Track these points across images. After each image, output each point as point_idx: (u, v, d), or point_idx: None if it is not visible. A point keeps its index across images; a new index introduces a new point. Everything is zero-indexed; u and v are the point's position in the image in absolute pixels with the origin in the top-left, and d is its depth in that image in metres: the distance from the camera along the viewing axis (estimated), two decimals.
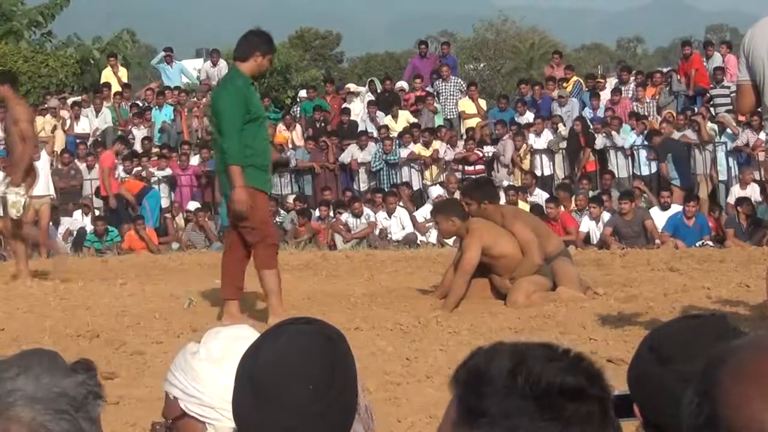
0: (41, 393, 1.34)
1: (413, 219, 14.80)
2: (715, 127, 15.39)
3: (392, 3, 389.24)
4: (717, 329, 1.83)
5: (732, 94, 15.21)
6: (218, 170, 7.81)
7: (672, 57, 45.35)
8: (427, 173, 16.22)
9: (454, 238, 10.80)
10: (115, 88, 19.42)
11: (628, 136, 15.59)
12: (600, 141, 15.75)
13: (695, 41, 26.77)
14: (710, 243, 12.78)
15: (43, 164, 14.94)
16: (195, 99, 19.25)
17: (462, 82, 19.07)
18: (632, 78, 17.75)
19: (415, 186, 16.09)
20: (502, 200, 12.44)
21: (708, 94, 16.58)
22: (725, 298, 7.97)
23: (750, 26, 6.01)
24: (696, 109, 16.14)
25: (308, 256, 12.58)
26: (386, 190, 15.61)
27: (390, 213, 14.79)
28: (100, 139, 18.23)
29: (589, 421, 1.26)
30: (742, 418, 1.13)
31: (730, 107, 15.39)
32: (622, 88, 17.04)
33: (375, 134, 17.02)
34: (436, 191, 15.51)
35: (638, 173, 15.35)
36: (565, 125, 16.35)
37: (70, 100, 19.67)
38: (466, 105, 17.75)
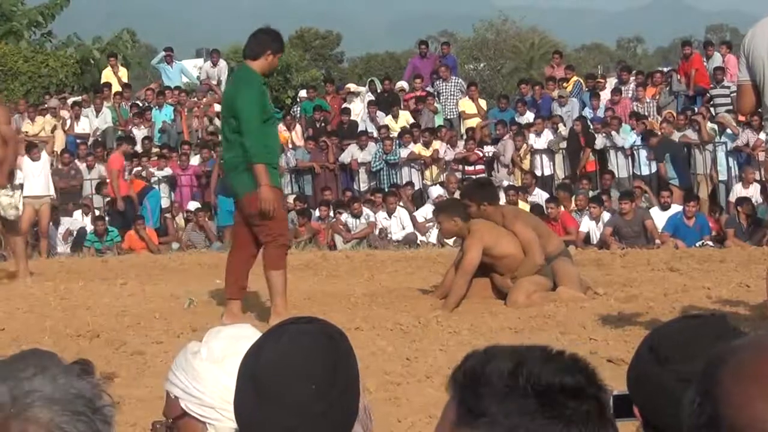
0: (58, 394, 1.33)
1: (413, 219, 14.80)
2: (715, 126, 15.40)
3: (392, 3, 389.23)
4: (717, 329, 1.83)
5: (732, 94, 15.21)
6: (229, 168, 7.67)
7: (672, 57, 45.36)
8: (427, 173, 16.23)
9: (455, 238, 10.80)
10: (116, 88, 19.43)
11: (628, 136, 15.60)
12: (600, 141, 15.76)
13: (695, 41, 26.80)
14: (710, 243, 12.78)
15: (43, 165, 14.97)
16: (195, 99, 19.26)
17: (462, 82, 19.06)
18: (632, 78, 17.76)
19: (415, 186, 16.09)
20: (502, 200, 12.44)
21: (708, 94, 16.58)
22: (725, 298, 7.97)
23: (750, 26, 6.01)
24: (696, 109, 16.14)
25: (308, 256, 12.58)
26: (386, 190, 15.61)
27: (390, 213, 14.79)
28: (100, 139, 18.24)
29: (588, 419, 1.27)
30: (744, 417, 1.13)
31: (730, 107, 15.39)
32: (622, 88, 17.04)
33: (375, 134, 17.03)
34: (436, 191, 15.51)
35: (638, 173, 15.35)
36: (565, 125, 16.35)
37: (70, 100, 19.67)
38: (467, 105, 17.75)
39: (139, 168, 16.69)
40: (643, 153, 15.32)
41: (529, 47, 44.29)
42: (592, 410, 1.29)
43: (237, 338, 2.18)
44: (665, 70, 19.15)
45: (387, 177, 16.38)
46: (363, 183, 16.52)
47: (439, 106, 17.81)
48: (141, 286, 10.15)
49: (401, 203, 15.14)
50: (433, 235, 14.31)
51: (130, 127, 18.33)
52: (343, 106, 18.23)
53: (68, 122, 18.49)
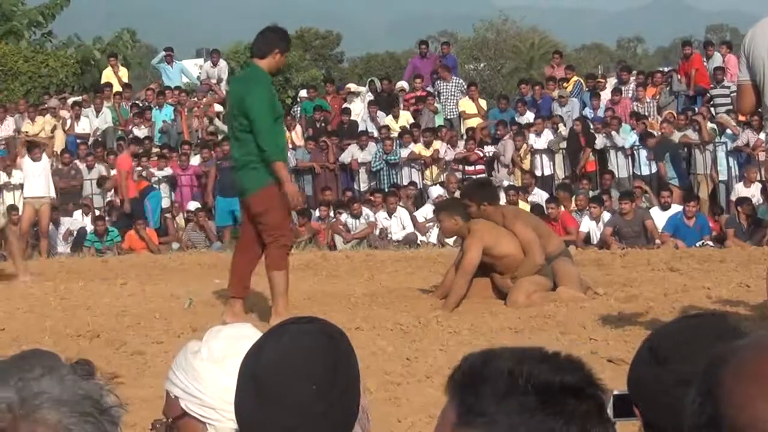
0: (66, 395, 1.32)
1: (413, 219, 14.80)
2: (715, 126, 15.40)
3: (392, 3, 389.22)
4: (717, 329, 1.83)
5: (732, 94, 15.21)
6: (240, 165, 7.60)
7: (672, 57, 45.35)
8: (427, 173, 16.23)
9: (455, 238, 10.80)
10: (117, 88, 19.43)
11: (628, 136, 15.60)
12: (600, 141, 15.75)
13: (695, 41, 26.79)
14: (710, 243, 12.78)
15: (43, 165, 14.99)
16: (195, 99, 19.25)
17: (462, 82, 19.06)
18: (632, 78, 17.76)
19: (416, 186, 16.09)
20: (503, 200, 12.44)
21: (708, 94, 16.59)
22: (725, 298, 7.98)
23: (750, 26, 6.02)
24: (696, 109, 16.14)
25: (308, 256, 12.58)
26: (386, 190, 15.60)
27: (390, 213, 14.79)
28: (100, 139, 18.24)
29: (588, 417, 1.27)
30: (745, 417, 1.13)
31: (731, 107, 15.39)
32: (623, 88, 17.04)
33: (375, 134, 17.03)
34: (436, 191, 15.51)
35: (638, 173, 15.35)
36: (565, 125, 16.35)
37: (70, 100, 19.67)
38: (467, 105, 17.75)
39: (139, 168, 16.69)
40: (643, 153, 15.31)
41: (529, 47, 44.29)
42: (592, 409, 1.29)
43: (237, 338, 2.18)
44: (665, 70, 19.15)
45: (387, 177, 16.37)
46: (363, 183, 16.51)
47: (440, 106, 17.81)
48: (141, 286, 10.16)
49: (401, 203, 15.13)
50: (433, 235, 14.31)
51: (130, 127, 18.33)
52: (344, 106, 18.23)
53: (68, 122, 18.48)
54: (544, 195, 14.96)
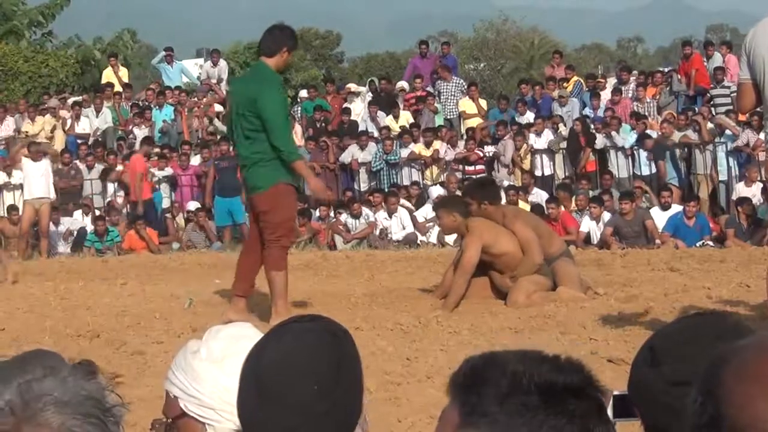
0: (68, 396, 1.31)
1: (413, 219, 14.80)
2: (714, 127, 15.40)
3: (392, 3, 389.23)
4: (717, 329, 1.82)
5: (732, 94, 15.21)
6: (251, 163, 7.57)
7: (672, 57, 45.35)
8: (427, 173, 16.23)
9: (455, 238, 10.80)
10: (117, 88, 19.43)
11: (628, 136, 15.60)
12: (600, 141, 15.75)
13: (695, 41, 26.80)
14: (710, 243, 12.78)
15: (44, 166, 15.01)
16: (195, 99, 19.25)
17: (462, 82, 19.07)
18: (632, 78, 17.76)
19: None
20: (503, 200, 12.44)
21: (708, 94, 16.58)
22: (726, 298, 7.97)
23: (751, 26, 6.04)
24: (696, 109, 16.14)
25: (308, 256, 12.58)
26: (386, 190, 15.60)
27: (391, 213, 14.79)
28: (100, 139, 18.24)
29: (590, 417, 1.28)
30: (746, 417, 1.13)
31: (731, 107, 15.39)
32: (623, 88, 17.05)
33: (375, 134, 17.03)
34: (436, 191, 15.51)
35: (638, 173, 15.35)
36: (565, 125, 16.35)
37: (70, 100, 19.67)
38: (467, 105, 17.75)
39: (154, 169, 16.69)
40: (643, 153, 15.31)
41: (529, 47, 44.29)
42: (593, 409, 1.30)
43: (237, 338, 2.17)
44: (665, 70, 19.15)
45: (387, 177, 16.37)
46: (363, 183, 16.51)
47: (440, 106, 17.81)
48: (141, 286, 10.16)
49: (403, 201, 15.13)
50: (433, 235, 14.31)
51: (130, 127, 18.33)
52: (344, 106, 18.23)
53: (68, 122, 18.48)
54: (544, 195, 14.96)
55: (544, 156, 16.02)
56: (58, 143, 17.98)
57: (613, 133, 15.54)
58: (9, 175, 16.28)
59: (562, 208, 14.03)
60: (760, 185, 14.01)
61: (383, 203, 14.88)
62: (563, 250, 8.80)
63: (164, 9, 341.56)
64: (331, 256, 12.74)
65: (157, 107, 18.65)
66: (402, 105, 17.99)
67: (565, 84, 17.60)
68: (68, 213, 15.99)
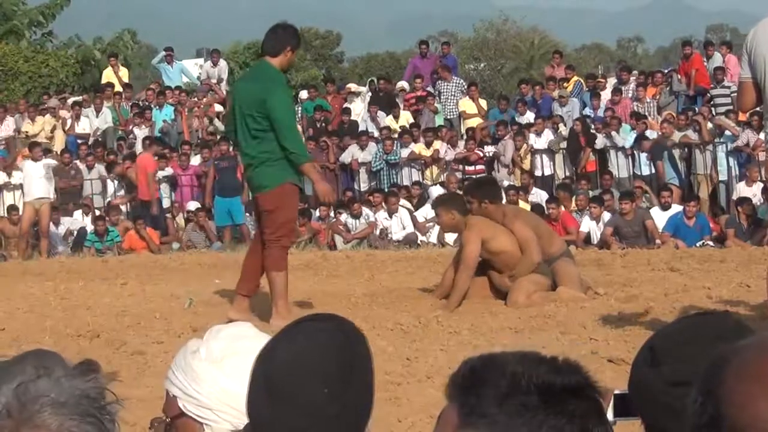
0: (64, 397, 1.31)
1: (413, 219, 14.80)
2: (713, 127, 15.40)
3: (392, 3, 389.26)
4: (718, 329, 1.82)
5: (732, 95, 15.22)
6: (258, 162, 7.54)
7: (672, 57, 45.35)
8: (427, 173, 16.23)
9: (455, 238, 10.80)
10: (117, 88, 19.43)
11: (628, 136, 15.59)
12: (600, 141, 15.75)
13: (695, 41, 26.80)
14: (711, 243, 12.78)
15: (44, 167, 15.02)
16: (195, 99, 19.25)
17: (463, 82, 19.07)
18: (633, 78, 17.76)
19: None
20: (503, 200, 12.44)
21: (708, 94, 16.58)
22: (726, 298, 7.97)
23: (751, 25, 6.06)
24: (697, 109, 16.14)
25: (308, 256, 12.58)
26: (386, 190, 15.60)
27: (391, 213, 14.79)
28: (100, 139, 18.24)
29: (589, 417, 1.28)
30: (746, 417, 1.13)
31: (731, 107, 15.39)
32: (623, 88, 17.05)
33: (376, 134, 17.03)
34: (436, 191, 15.50)
35: (638, 173, 15.36)
36: (565, 125, 16.35)
37: (70, 100, 19.67)
38: (467, 105, 17.75)
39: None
40: (643, 153, 15.31)
41: (530, 47, 44.30)
42: (592, 409, 1.30)
43: (236, 338, 2.16)
44: (666, 70, 19.15)
45: (387, 177, 16.37)
46: (363, 183, 16.52)
47: (440, 106, 17.81)
48: (141, 286, 10.16)
49: (401, 203, 15.13)
50: (433, 235, 14.31)
51: (130, 127, 18.33)
52: (344, 106, 18.24)
53: (68, 122, 18.48)
54: (544, 195, 14.96)
55: (544, 156, 16.02)
56: (58, 143, 17.99)
57: (613, 133, 15.54)
58: (9, 175, 16.29)
59: (562, 208, 14.03)
60: (761, 185, 14.01)
61: (383, 203, 14.88)
62: (563, 250, 8.80)
63: (164, 9, 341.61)
64: (331, 256, 12.74)
65: (157, 107, 18.64)
66: (402, 105, 18.00)
67: (565, 84, 17.60)
68: (68, 213, 16.00)
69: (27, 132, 18.04)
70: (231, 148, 14.96)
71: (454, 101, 18.00)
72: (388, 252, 13.08)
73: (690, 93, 16.85)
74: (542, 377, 1.29)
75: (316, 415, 1.71)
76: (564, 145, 16.05)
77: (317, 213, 15.28)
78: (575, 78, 18.01)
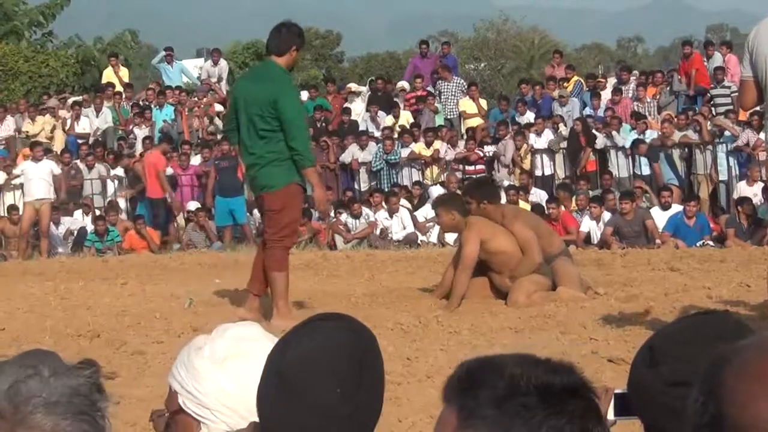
0: (56, 396, 1.31)
1: (414, 219, 14.80)
2: (713, 127, 15.40)
3: (392, 3, 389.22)
4: (718, 329, 1.82)
5: (732, 94, 15.22)
6: (265, 162, 7.51)
7: (672, 57, 45.34)
8: (427, 173, 16.23)
9: (455, 238, 10.80)
10: (118, 88, 19.43)
11: (628, 136, 15.59)
12: (600, 141, 15.75)
13: (696, 41, 26.78)
14: (711, 243, 12.78)
15: (44, 168, 15.01)
16: (195, 99, 19.25)
17: (463, 82, 19.07)
18: (633, 78, 17.76)
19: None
20: (503, 200, 12.43)
21: (708, 94, 16.58)
22: (726, 297, 7.97)
23: (752, 25, 6.07)
24: (697, 109, 16.14)
25: (309, 256, 12.58)
26: (387, 190, 15.60)
27: (392, 213, 14.79)
28: (100, 139, 18.24)
29: (588, 417, 1.28)
30: (747, 417, 1.13)
31: (731, 107, 15.39)
32: (623, 88, 17.05)
33: (376, 134, 17.03)
34: (436, 191, 15.50)
35: (638, 173, 15.36)
36: (565, 125, 16.35)
37: (70, 100, 19.67)
38: (467, 105, 17.75)
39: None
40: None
41: (530, 47, 44.30)
42: (591, 408, 1.31)
43: (241, 339, 2.16)
44: (665, 71, 19.15)
45: (387, 177, 16.38)
46: (363, 183, 16.52)
47: (440, 105, 17.81)
48: (141, 286, 10.16)
49: (401, 203, 15.13)
50: (433, 235, 14.31)
51: (130, 126, 18.33)
52: (344, 105, 18.24)
53: (68, 122, 18.48)
54: (544, 195, 14.96)
55: (545, 156, 16.02)
56: (58, 143, 17.98)
57: (614, 133, 15.54)
58: (9, 175, 16.28)
59: (563, 208, 14.03)
60: (761, 185, 14.01)
61: (384, 203, 14.88)
62: (563, 250, 8.80)
63: (164, 9, 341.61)
64: (332, 256, 12.74)
65: (158, 107, 18.64)
66: (402, 105, 18.00)
67: (565, 84, 17.60)
68: (68, 213, 16.00)
69: (27, 132, 18.04)
70: (231, 147, 14.94)
71: (455, 101, 18.00)
72: (388, 252, 13.08)
73: (690, 93, 16.85)
74: (541, 378, 1.29)
75: (328, 415, 1.71)
76: (564, 145, 16.04)
77: (317, 213, 15.27)
78: (575, 78, 18.01)
